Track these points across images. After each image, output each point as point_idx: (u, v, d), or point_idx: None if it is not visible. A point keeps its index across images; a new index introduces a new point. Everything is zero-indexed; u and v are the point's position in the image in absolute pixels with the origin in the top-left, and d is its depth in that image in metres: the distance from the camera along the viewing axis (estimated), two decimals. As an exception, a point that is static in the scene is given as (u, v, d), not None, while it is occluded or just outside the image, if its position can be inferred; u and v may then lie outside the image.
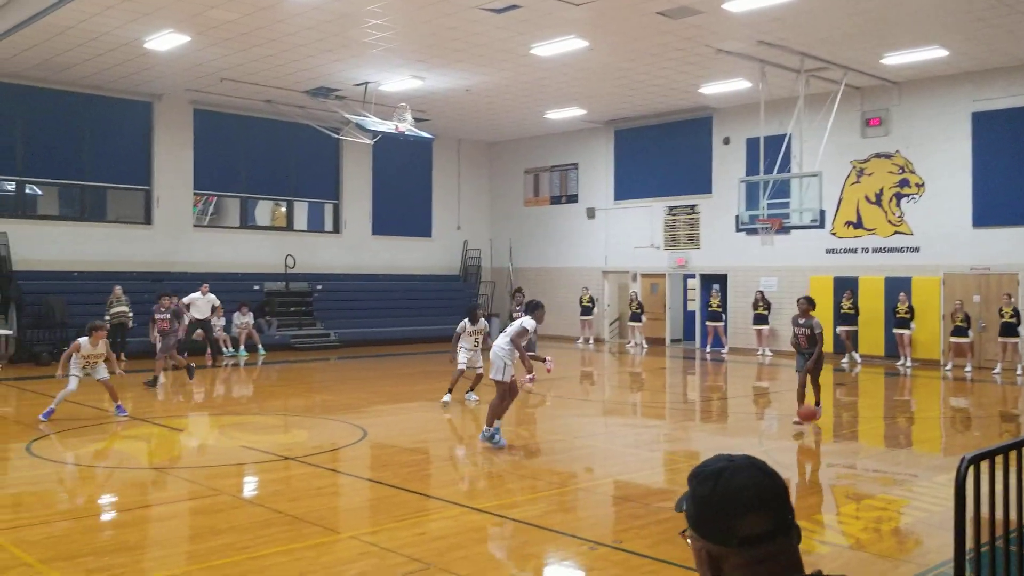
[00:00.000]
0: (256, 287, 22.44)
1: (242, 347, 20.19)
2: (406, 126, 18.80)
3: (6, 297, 18.69)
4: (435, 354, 20.98)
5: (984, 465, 4.14)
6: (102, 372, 11.22)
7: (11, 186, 20.31)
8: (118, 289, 18.50)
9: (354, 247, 25.24)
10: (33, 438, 9.85)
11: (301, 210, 25.17)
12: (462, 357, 12.83)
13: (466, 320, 12.99)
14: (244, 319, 20.52)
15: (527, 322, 9.55)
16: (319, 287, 23.29)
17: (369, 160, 25.25)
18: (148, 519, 7.06)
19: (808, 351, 11.36)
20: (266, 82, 19.62)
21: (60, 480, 8.52)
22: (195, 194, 22.67)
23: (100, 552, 5.94)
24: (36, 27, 15.14)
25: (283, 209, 24.87)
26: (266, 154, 23.70)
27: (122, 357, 18.19)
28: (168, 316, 14.77)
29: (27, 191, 20.72)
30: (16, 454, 9.19)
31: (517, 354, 9.47)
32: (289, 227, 24.67)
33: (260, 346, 20.49)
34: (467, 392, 13.06)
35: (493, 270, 28.36)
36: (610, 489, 8.08)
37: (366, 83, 19.57)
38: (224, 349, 19.86)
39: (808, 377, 11.36)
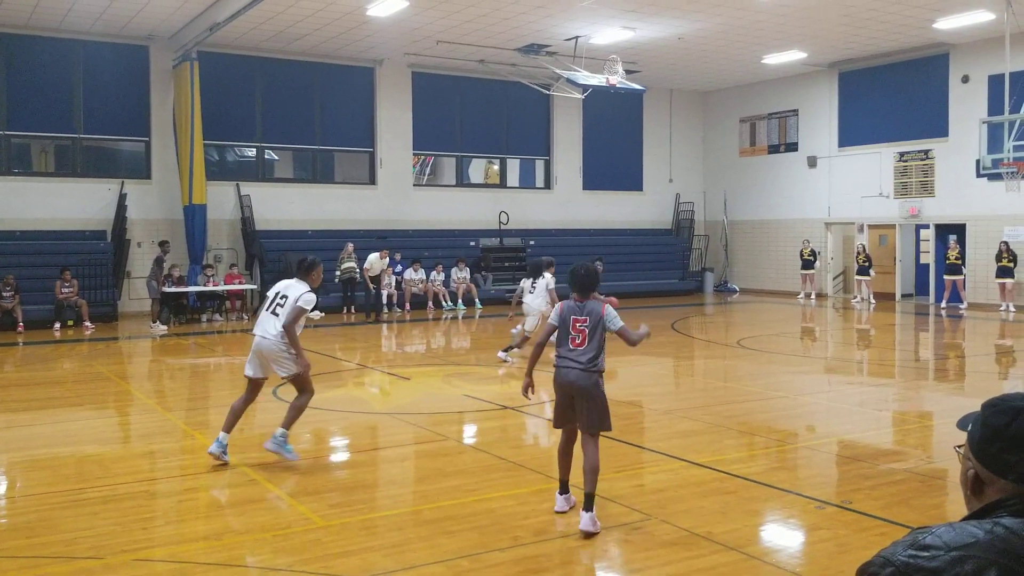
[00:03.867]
0: (472, 243, 23.22)
1: (460, 301, 21.05)
2: (617, 79, 18.59)
3: (251, 254, 20.51)
4: (649, 309, 20.90)
5: None
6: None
7: (252, 152, 22.15)
8: (350, 246, 19.73)
9: (565, 203, 25.45)
10: (278, 384, 10.77)
11: (513, 167, 25.68)
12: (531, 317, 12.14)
13: (525, 279, 12.36)
14: (462, 274, 21.38)
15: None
16: (531, 243, 23.73)
17: (579, 115, 25.27)
18: (381, 460, 7.57)
19: None
20: (479, 42, 20.05)
21: (301, 423, 9.29)
22: (414, 154, 23.69)
23: (340, 489, 6.44)
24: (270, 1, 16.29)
25: (496, 167, 25.48)
26: (479, 113, 24.31)
27: (352, 309, 19.56)
28: None
29: (266, 156, 22.51)
30: (264, 397, 10.10)
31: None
32: (502, 184, 25.26)
33: (477, 300, 21.29)
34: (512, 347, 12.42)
35: (707, 223, 27.69)
36: (836, 448, 7.74)
37: (576, 37, 19.53)
38: (444, 303, 20.82)
39: None
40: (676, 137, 27.52)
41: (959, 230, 20.98)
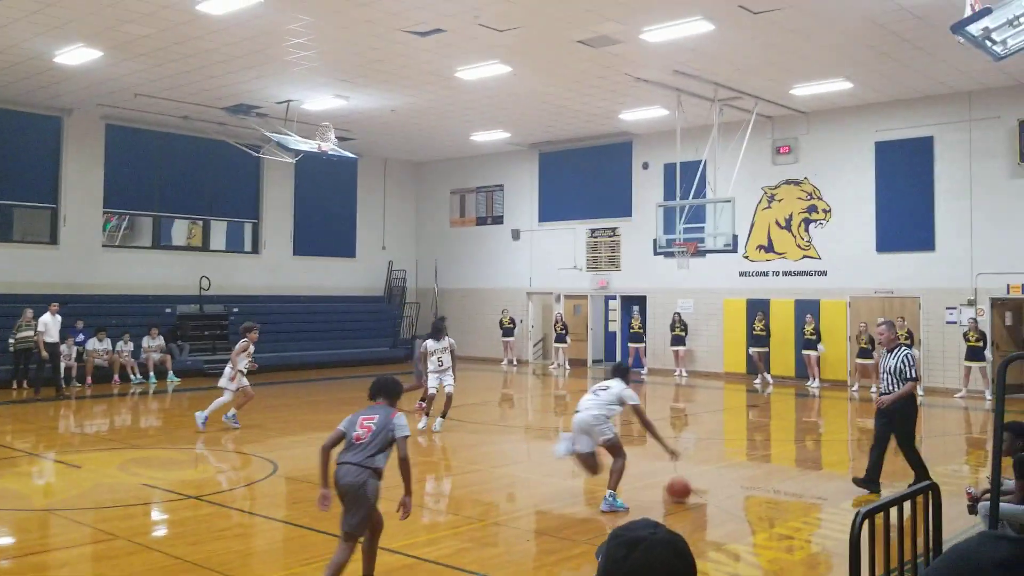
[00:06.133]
0: (168, 310, 21.82)
1: (151, 373, 19.55)
2: (329, 145, 18.57)
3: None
4: (357, 379, 20.71)
5: (879, 517, 4.26)
6: None
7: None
8: (29, 312, 17.63)
9: (274, 268, 24.80)
10: None
11: (218, 229, 24.62)
12: (432, 381, 12.79)
13: (429, 340, 13.13)
14: (154, 343, 19.92)
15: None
16: (235, 309, 22.76)
17: (291, 178, 24.89)
18: (28, 570, 6.66)
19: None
20: (183, 98, 19.19)
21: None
22: (105, 212, 21.98)
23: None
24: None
25: (199, 228, 24.30)
26: (182, 171, 23.15)
27: (24, 384, 17.50)
28: None
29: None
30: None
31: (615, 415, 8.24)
32: (205, 247, 24.10)
33: (171, 372, 19.90)
34: (439, 417, 12.93)
35: (418, 291, 28.21)
36: (526, 523, 8.05)
37: (288, 101, 19.32)
38: (132, 376, 19.23)
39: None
40: (390, 205, 27.95)
41: (641, 301, 23.10)
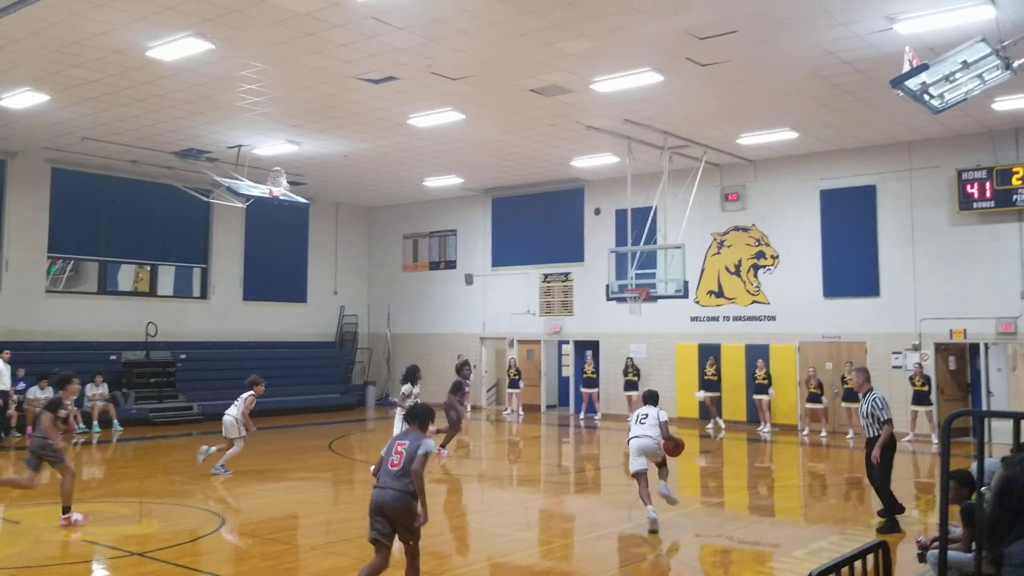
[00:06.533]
0: (113, 357, 21.32)
1: (95, 422, 19.01)
2: (280, 191, 18.45)
3: None
4: (309, 427, 20.44)
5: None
6: None
7: None
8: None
9: (223, 313, 24.44)
10: None
11: (166, 274, 24.21)
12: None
13: (408, 384, 14.31)
14: (98, 391, 19.40)
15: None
16: (182, 356, 22.32)
17: (241, 223, 24.66)
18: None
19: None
20: (131, 142, 18.98)
21: None
22: (49, 257, 21.51)
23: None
24: None
25: (146, 273, 23.86)
26: (130, 216, 22.81)
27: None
28: None
29: None
30: None
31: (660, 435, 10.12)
32: (152, 292, 23.67)
33: (116, 421, 19.38)
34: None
35: (371, 336, 27.99)
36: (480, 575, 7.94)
37: (239, 146, 19.21)
38: (78, 425, 18.66)
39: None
40: (342, 250, 27.80)
41: (594, 346, 23.18)
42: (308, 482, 13.34)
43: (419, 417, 6.63)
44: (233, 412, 13.27)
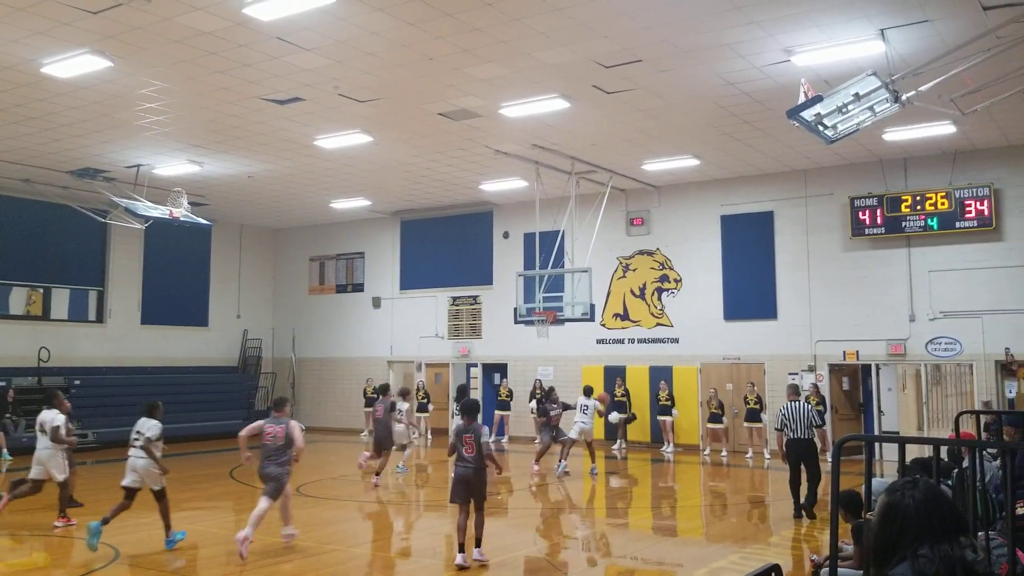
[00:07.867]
0: (2, 383, 20.29)
1: (-19, 452, 18.07)
2: (181, 212, 18.00)
3: None
4: (209, 454, 19.84)
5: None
6: None
7: None
8: None
9: (120, 337, 23.58)
10: None
11: (60, 297, 23.21)
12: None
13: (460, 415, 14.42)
14: (-15, 420, 18.45)
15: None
16: (76, 382, 21.40)
17: (140, 245, 23.90)
18: None
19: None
20: (24, 161, 18.22)
21: None
22: (-69, 279, 20.40)
23: None
24: None
25: (39, 296, 22.85)
26: (21, 236, 21.84)
27: None
28: None
29: None
30: None
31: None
32: (45, 316, 22.67)
33: (5, 450, 18.42)
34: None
35: (275, 360, 27.42)
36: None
37: (138, 165, 18.66)
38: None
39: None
40: (245, 272, 27.21)
41: (502, 369, 23.26)
42: (207, 511, 12.95)
43: (473, 410, 9.15)
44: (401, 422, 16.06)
